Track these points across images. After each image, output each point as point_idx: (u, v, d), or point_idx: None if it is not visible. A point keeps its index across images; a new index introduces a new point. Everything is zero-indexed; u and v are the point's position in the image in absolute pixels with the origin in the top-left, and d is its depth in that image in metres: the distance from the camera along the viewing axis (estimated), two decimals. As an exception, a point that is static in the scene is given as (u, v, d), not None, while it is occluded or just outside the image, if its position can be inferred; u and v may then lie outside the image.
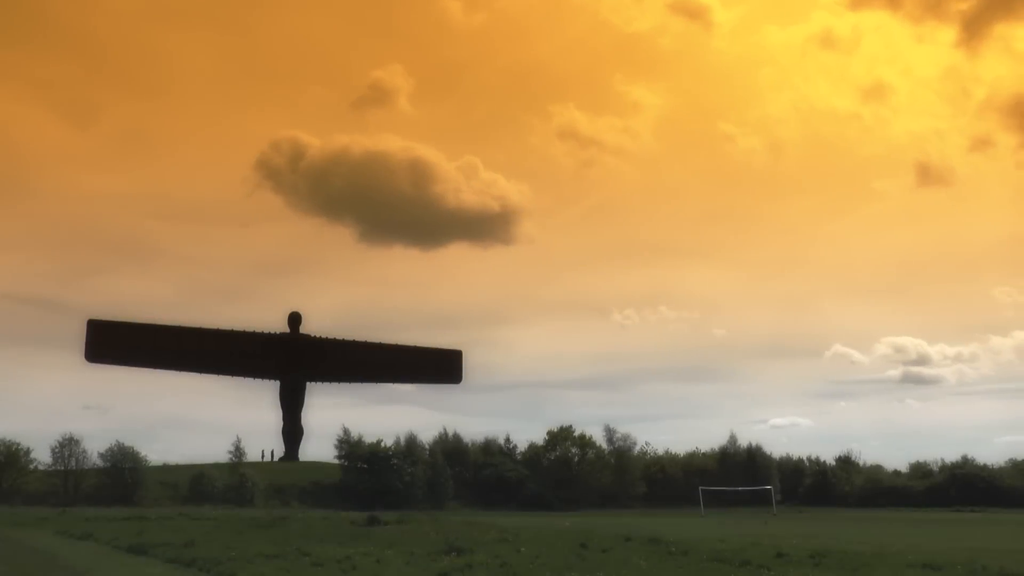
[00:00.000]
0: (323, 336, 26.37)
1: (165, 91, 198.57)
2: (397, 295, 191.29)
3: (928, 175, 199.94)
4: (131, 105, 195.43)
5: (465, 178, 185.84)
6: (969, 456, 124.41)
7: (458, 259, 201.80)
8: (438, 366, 27.75)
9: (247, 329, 25.73)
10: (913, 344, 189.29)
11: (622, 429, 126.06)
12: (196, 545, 26.04)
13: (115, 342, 23.98)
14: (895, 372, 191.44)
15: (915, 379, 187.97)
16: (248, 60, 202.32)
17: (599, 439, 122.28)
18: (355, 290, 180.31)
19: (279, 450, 29.26)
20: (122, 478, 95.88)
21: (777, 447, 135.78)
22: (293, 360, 25.76)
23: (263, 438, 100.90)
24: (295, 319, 25.86)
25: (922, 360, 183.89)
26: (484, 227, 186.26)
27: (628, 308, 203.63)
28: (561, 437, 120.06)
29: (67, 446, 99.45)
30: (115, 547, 28.56)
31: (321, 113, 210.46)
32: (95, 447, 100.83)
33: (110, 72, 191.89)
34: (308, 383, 26.90)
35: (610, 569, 19.37)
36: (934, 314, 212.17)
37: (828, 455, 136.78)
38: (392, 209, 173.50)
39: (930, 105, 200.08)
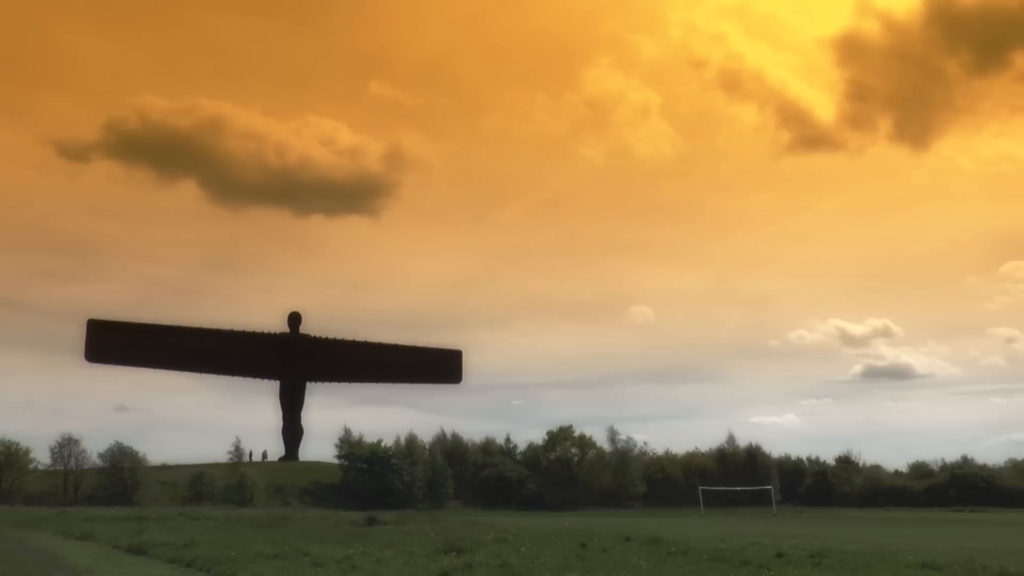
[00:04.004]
0: (323, 336, 26.39)
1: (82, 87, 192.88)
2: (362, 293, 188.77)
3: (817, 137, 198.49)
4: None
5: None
6: (968, 456, 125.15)
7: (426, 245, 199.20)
8: (438, 366, 27.77)
9: (247, 329, 25.75)
10: (884, 342, 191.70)
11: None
12: (196, 545, 26.03)
13: (115, 342, 23.99)
14: (870, 371, 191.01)
15: (889, 377, 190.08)
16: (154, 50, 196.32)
17: (599, 439, 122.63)
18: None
19: (276, 450, 29.26)
20: (122, 478, 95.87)
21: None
22: (293, 360, 25.76)
23: (263, 438, 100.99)
24: (295, 319, 25.87)
25: (895, 358, 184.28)
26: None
27: (595, 307, 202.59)
28: (561, 437, 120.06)
29: (67, 446, 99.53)
30: (115, 547, 28.55)
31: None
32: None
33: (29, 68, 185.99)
34: (308, 383, 26.92)
35: (610, 569, 19.36)
36: (905, 312, 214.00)
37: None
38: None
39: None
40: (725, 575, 19.13)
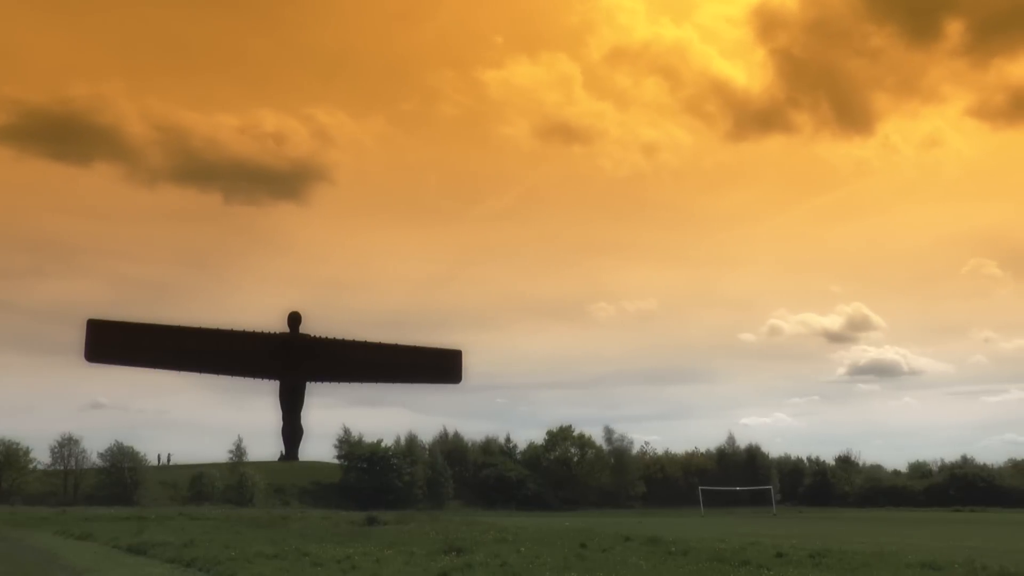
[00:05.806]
0: (322, 336, 26.37)
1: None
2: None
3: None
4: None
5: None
6: (967, 455, 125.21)
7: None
8: (438, 366, 27.74)
9: (247, 329, 25.74)
10: (868, 340, 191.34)
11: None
12: (196, 545, 26.07)
13: (115, 342, 23.97)
14: (857, 371, 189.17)
15: (876, 374, 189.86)
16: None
17: (595, 439, 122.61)
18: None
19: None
20: (122, 478, 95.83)
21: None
22: (293, 360, 25.76)
23: (263, 438, 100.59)
24: (295, 319, 25.84)
25: (881, 357, 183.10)
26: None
27: (574, 307, 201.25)
28: (560, 437, 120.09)
29: (67, 446, 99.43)
30: (115, 547, 28.57)
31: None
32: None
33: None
34: (308, 383, 26.91)
35: (610, 569, 19.37)
36: (887, 311, 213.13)
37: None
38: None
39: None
40: (725, 575, 19.15)
